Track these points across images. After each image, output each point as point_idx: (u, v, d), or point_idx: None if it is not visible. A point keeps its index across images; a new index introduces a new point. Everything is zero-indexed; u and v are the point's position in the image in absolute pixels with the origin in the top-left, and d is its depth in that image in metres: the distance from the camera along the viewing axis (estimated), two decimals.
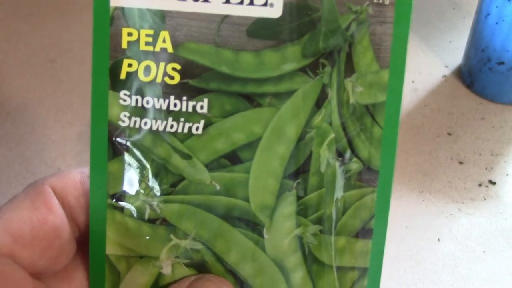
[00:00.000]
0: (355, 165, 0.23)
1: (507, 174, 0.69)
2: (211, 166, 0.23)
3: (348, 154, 0.23)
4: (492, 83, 0.76)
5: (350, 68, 0.23)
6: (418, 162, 0.70)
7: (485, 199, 0.67)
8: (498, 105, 0.77)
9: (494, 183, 0.68)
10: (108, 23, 0.22)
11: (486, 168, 0.70)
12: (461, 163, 0.70)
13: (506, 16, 0.69)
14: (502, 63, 0.73)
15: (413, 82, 0.79)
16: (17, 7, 0.91)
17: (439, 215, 0.65)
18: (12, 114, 0.76)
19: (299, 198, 0.23)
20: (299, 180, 0.23)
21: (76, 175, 0.23)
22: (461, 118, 0.75)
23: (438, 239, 0.63)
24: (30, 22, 0.88)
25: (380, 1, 0.22)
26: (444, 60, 0.83)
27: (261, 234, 0.23)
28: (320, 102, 0.23)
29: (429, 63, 0.83)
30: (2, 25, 0.88)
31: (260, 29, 0.22)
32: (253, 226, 0.23)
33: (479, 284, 0.60)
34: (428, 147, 0.72)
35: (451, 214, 0.65)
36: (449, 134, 0.73)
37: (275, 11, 0.22)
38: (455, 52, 0.84)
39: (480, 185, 0.68)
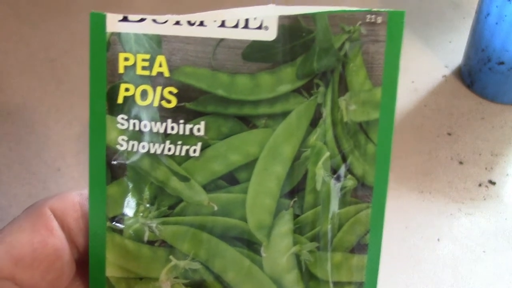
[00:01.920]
0: (350, 182, 0.24)
1: (507, 174, 0.70)
2: (208, 188, 0.24)
3: (343, 171, 0.24)
4: (492, 83, 0.76)
5: (343, 87, 0.23)
6: (418, 162, 0.70)
7: (485, 199, 0.67)
8: (498, 105, 0.77)
9: (494, 183, 0.68)
10: (105, 48, 0.23)
11: (486, 168, 0.70)
12: (461, 163, 0.70)
13: (506, 16, 0.69)
14: (502, 63, 0.73)
15: (413, 82, 0.80)
16: (17, 7, 0.91)
17: (439, 215, 0.65)
18: (12, 114, 0.76)
19: (295, 216, 0.24)
20: (295, 198, 0.24)
21: (75, 197, 0.23)
22: (461, 118, 0.75)
23: (438, 239, 0.63)
24: (30, 22, 0.88)
25: (373, 20, 0.23)
26: (444, 60, 0.83)
27: (258, 253, 0.24)
28: (315, 121, 0.23)
29: (429, 63, 0.83)
30: (2, 25, 0.88)
31: (255, 52, 0.23)
32: (251, 245, 0.24)
33: (479, 284, 0.60)
34: (428, 147, 0.72)
35: (451, 214, 0.65)
36: (449, 134, 0.73)
37: (269, 34, 0.23)
38: (455, 52, 0.84)
39: (480, 185, 0.68)
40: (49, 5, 0.91)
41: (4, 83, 0.80)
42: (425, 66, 0.82)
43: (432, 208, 0.66)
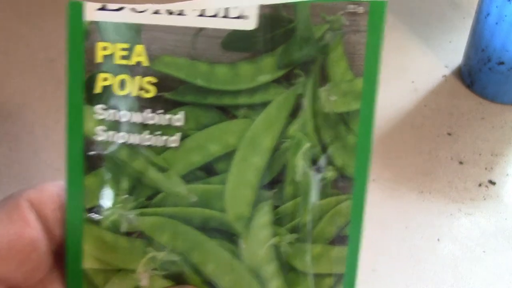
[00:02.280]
0: (330, 173, 0.24)
1: (507, 174, 0.69)
2: (187, 178, 0.23)
3: (323, 162, 0.24)
4: (492, 83, 0.76)
5: (324, 78, 0.23)
6: (418, 162, 0.70)
7: (485, 199, 0.67)
8: (498, 105, 0.77)
9: (494, 183, 0.68)
10: (83, 37, 0.22)
11: (486, 168, 0.70)
12: (461, 163, 0.70)
13: (506, 16, 0.69)
14: (502, 63, 0.73)
15: (413, 82, 0.79)
16: (17, 7, 0.91)
17: (439, 215, 0.65)
18: (12, 114, 0.76)
19: (275, 207, 0.24)
20: (275, 189, 0.24)
21: (53, 188, 0.23)
22: (461, 118, 0.75)
23: (438, 239, 0.63)
24: (30, 22, 0.88)
25: (354, 10, 0.22)
26: (444, 60, 0.83)
27: (237, 244, 0.24)
28: (295, 112, 0.23)
29: (429, 63, 0.83)
30: (2, 25, 0.88)
31: (235, 41, 0.22)
32: (230, 236, 0.24)
33: (479, 284, 0.60)
34: (428, 147, 0.72)
35: (451, 214, 0.65)
36: (449, 134, 0.73)
37: (249, 23, 0.22)
38: (455, 52, 0.84)
39: (480, 185, 0.68)
40: (49, 5, 0.91)
41: (4, 83, 0.80)
42: (425, 66, 0.82)
43: (432, 208, 0.66)
